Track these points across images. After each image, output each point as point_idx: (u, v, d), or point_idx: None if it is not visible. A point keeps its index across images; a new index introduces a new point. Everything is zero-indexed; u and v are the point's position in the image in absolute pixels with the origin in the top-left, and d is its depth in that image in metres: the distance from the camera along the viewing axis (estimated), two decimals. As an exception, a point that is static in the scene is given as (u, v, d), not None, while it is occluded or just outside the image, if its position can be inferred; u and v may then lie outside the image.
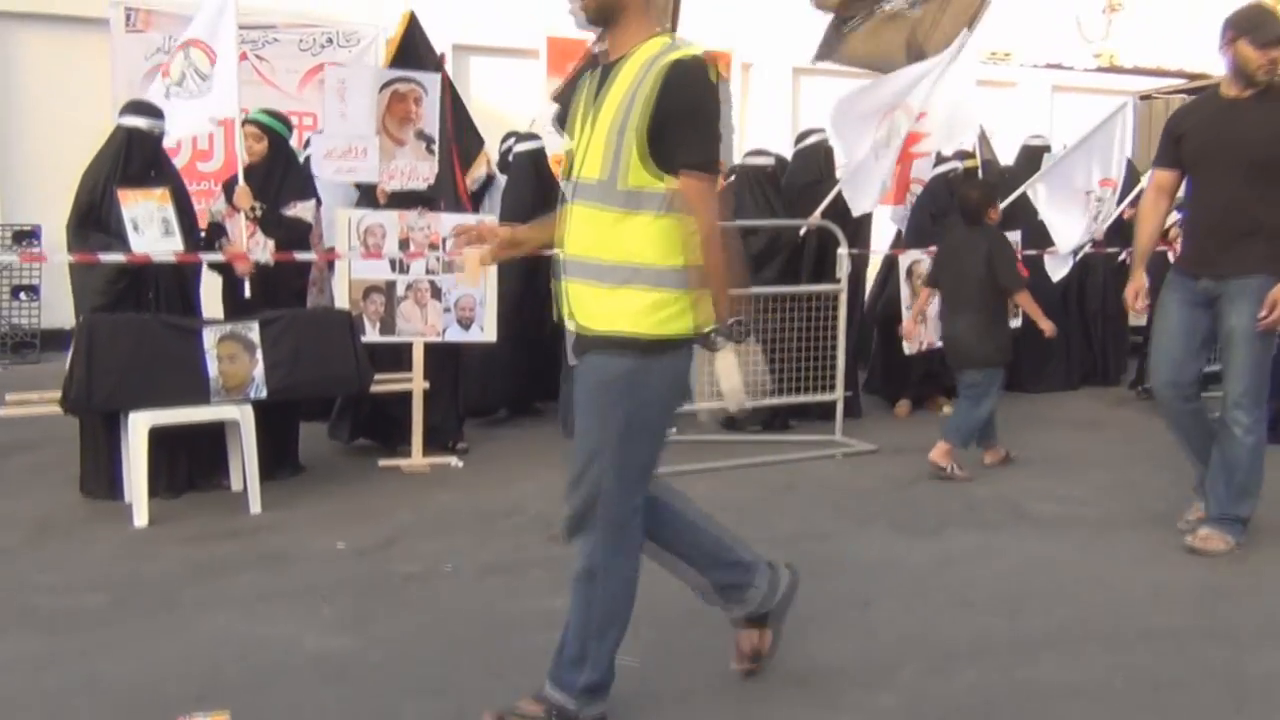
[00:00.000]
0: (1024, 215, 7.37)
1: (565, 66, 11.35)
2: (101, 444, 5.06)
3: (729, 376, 2.70)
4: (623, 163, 2.55)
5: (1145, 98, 12.92)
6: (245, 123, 5.57)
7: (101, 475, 5.07)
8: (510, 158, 7.49)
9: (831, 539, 4.50)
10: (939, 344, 6.95)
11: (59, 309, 9.58)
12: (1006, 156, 9.34)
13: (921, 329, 6.86)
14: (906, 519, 4.81)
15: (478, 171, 7.44)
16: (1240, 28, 4.14)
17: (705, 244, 2.59)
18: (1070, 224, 7.32)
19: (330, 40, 10.55)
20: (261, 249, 5.41)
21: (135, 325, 4.70)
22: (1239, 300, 4.14)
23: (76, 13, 9.86)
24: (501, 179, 7.63)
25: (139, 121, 5.19)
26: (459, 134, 7.02)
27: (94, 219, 5.08)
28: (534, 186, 7.03)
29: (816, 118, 12.59)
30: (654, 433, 2.75)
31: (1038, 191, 7.33)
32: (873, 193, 6.71)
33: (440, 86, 5.95)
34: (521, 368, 6.83)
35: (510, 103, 11.35)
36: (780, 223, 6.63)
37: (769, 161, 6.86)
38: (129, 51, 9.76)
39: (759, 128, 12.44)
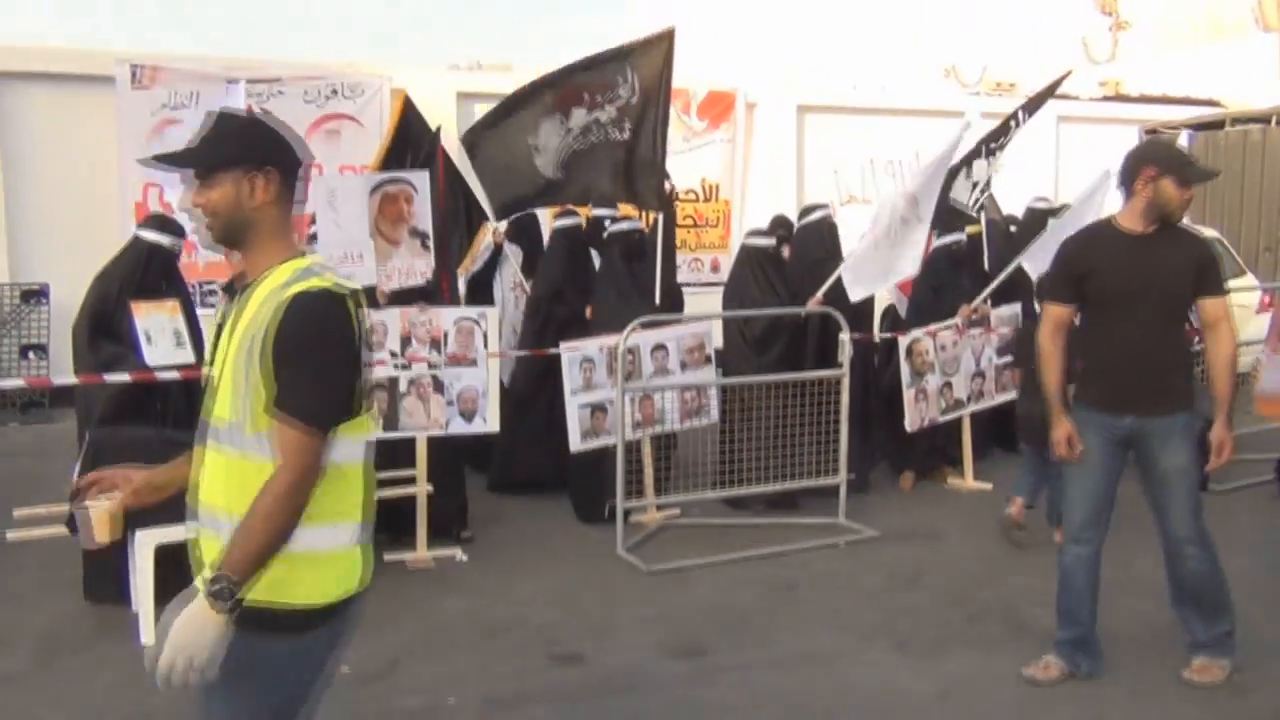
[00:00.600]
0: (1025, 287, 7.36)
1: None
2: (106, 550, 5.09)
3: (180, 630, 2.18)
4: (249, 404, 2.25)
5: (1151, 132, 12.88)
6: None
7: (107, 580, 5.10)
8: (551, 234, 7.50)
9: (833, 663, 4.50)
10: (941, 419, 6.99)
11: (68, 365, 9.67)
12: (1011, 198, 9.31)
13: (922, 406, 6.88)
14: (908, 632, 4.82)
15: (480, 247, 7.46)
16: (1164, 165, 4.07)
17: (272, 498, 2.20)
18: None
19: (335, 91, 10.59)
20: None
21: (140, 445, 4.72)
22: (1171, 439, 4.10)
23: (82, 70, 9.92)
24: (512, 249, 7.63)
25: (162, 239, 5.30)
26: (456, 216, 7.06)
27: (106, 328, 5.11)
28: (568, 265, 7.07)
29: (821, 154, 12.81)
30: None
31: (1035, 264, 7.30)
32: (871, 280, 6.69)
33: (429, 181, 5.97)
34: (547, 443, 6.80)
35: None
36: (779, 310, 6.60)
37: (770, 243, 6.86)
38: (135, 108, 9.84)
39: (764, 166, 12.46)
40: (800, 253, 7.08)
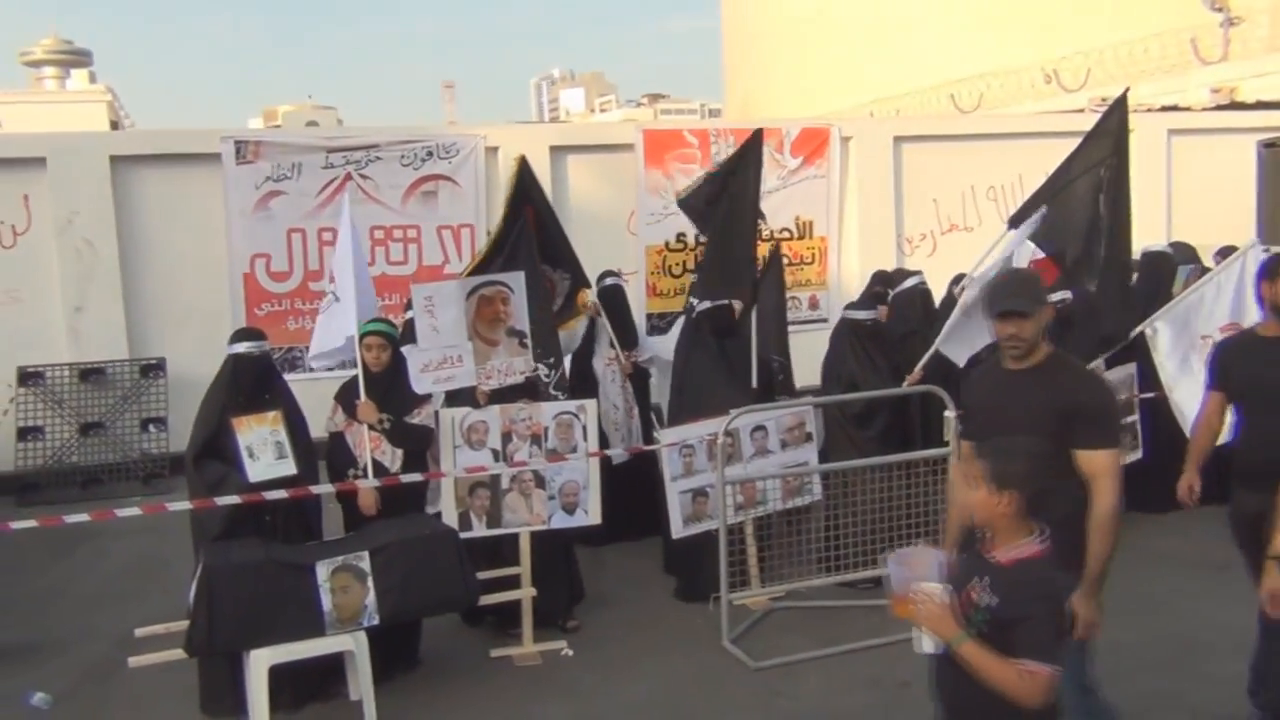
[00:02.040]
0: (1141, 346, 7.05)
1: (662, 158, 11.40)
2: (221, 665, 5.22)
3: None
4: None
5: (1270, 145, 12.27)
6: (368, 334, 5.67)
7: (224, 695, 5.23)
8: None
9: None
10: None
11: (185, 432, 9.95)
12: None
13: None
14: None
15: (577, 322, 7.38)
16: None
17: None
18: (1191, 383, 6.77)
19: (430, 154, 10.76)
20: (391, 460, 5.56)
21: (251, 569, 4.83)
22: None
23: (190, 149, 10.26)
24: (603, 322, 7.58)
25: (240, 346, 5.35)
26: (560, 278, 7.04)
27: (212, 449, 5.24)
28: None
29: (919, 183, 12.54)
30: None
31: (1157, 332, 6.98)
32: (972, 339, 6.52)
33: (522, 281, 5.99)
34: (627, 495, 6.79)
35: (609, 199, 11.37)
36: (881, 393, 6.42)
37: (869, 315, 6.70)
38: (240, 182, 10.18)
39: (861, 199, 12.25)
40: (894, 325, 6.91)
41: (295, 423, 5.42)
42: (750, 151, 6.56)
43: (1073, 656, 3.69)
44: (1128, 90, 7.29)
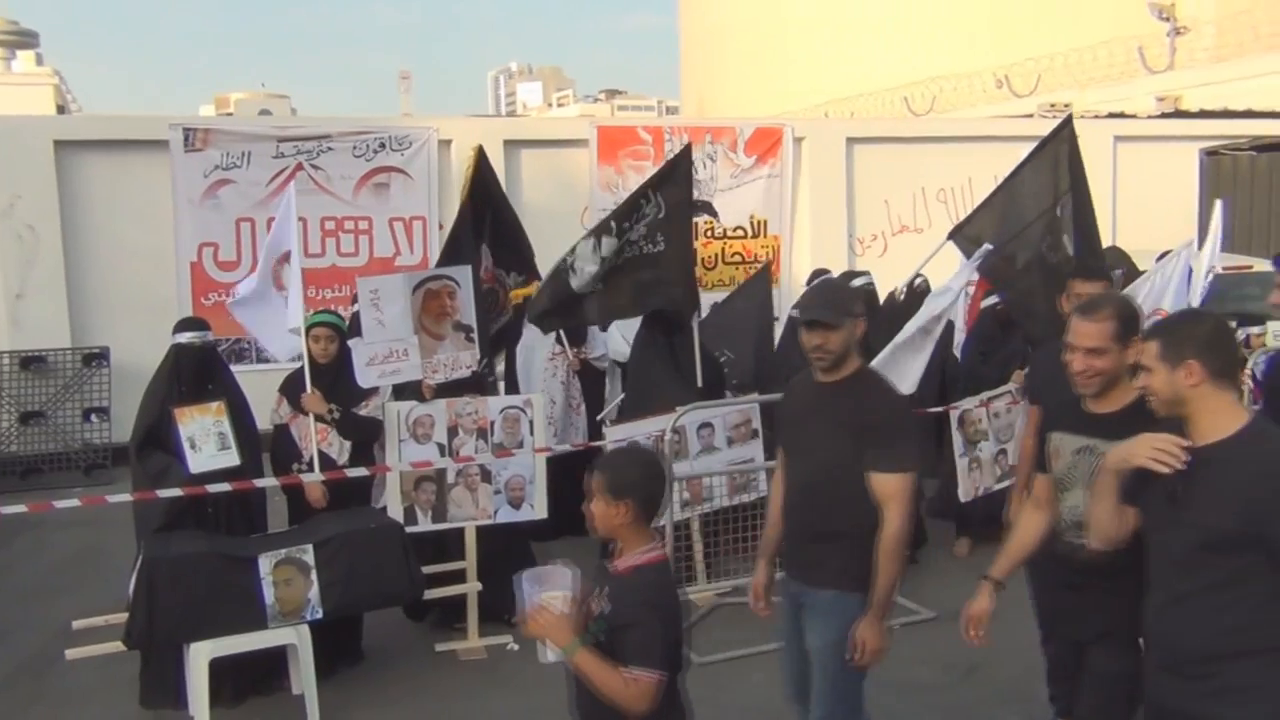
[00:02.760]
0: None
1: (616, 155, 11.42)
2: (162, 658, 5.16)
3: None
4: None
5: (1212, 154, 12.56)
6: (315, 325, 5.64)
7: (165, 688, 5.17)
8: None
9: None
10: (996, 488, 6.85)
11: (128, 423, 9.77)
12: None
13: (976, 475, 6.75)
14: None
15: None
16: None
17: None
18: None
19: (383, 145, 10.71)
20: (338, 452, 5.53)
21: (192, 561, 4.78)
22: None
23: (137, 136, 10.13)
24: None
25: (183, 336, 5.30)
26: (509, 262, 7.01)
27: (155, 439, 5.18)
28: None
29: (871, 184, 12.66)
30: None
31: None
32: (913, 374, 6.40)
33: (469, 275, 5.97)
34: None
35: (561, 194, 11.36)
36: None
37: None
38: (189, 170, 10.07)
39: (814, 199, 12.35)
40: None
41: (240, 414, 5.38)
42: (680, 165, 6.54)
43: (852, 681, 3.67)
44: (1071, 115, 7.42)
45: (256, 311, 5.91)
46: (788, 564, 3.88)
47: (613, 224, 6.30)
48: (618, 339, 7.55)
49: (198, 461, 5.13)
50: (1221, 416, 2.81)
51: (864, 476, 3.56)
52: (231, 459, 5.21)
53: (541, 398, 6.17)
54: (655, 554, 3.04)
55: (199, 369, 5.30)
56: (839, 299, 3.79)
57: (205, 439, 5.19)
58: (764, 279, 8.27)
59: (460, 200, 6.90)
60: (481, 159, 6.82)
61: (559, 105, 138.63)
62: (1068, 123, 6.84)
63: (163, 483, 5.05)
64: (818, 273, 8.03)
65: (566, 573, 3.01)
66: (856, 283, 7.18)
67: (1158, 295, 6.99)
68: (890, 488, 3.55)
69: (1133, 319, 3.40)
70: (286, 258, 5.84)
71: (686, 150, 6.58)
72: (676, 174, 6.42)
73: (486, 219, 6.68)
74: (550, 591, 2.95)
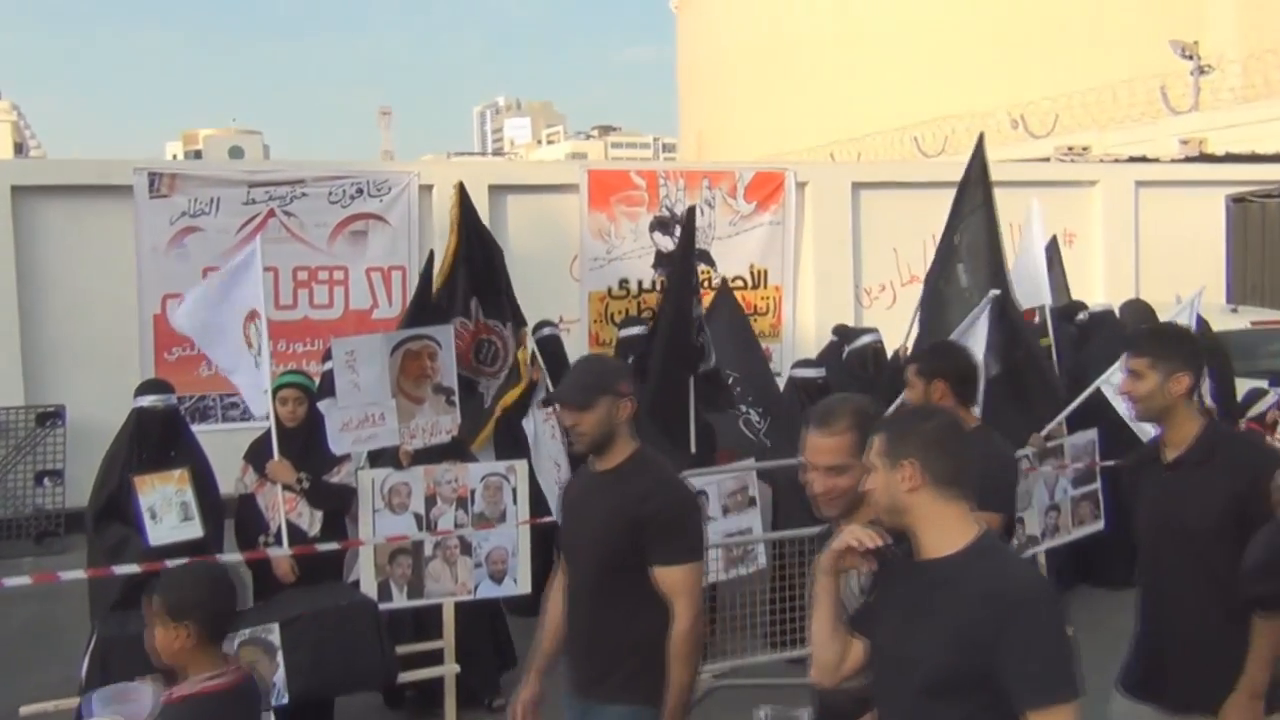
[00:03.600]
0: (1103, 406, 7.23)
1: (608, 200, 11.55)
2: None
3: None
4: None
5: (1238, 200, 12.72)
6: (283, 387, 5.69)
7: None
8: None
9: None
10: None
11: (84, 487, 9.76)
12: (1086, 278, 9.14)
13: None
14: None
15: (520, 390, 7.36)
16: None
17: None
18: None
19: (360, 190, 10.80)
20: (308, 523, 5.56)
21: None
22: None
23: (99, 180, 10.21)
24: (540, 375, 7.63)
25: (145, 400, 5.37)
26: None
27: (114, 509, 5.21)
28: None
29: (879, 231, 12.78)
30: None
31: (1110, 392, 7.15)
32: None
33: (451, 335, 6.05)
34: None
35: (550, 242, 11.46)
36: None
37: (819, 374, 6.84)
38: (153, 217, 10.14)
39: (818, 247, 12.45)
40: (845, 384, 7.05)
41: (203, 481, 5.43)
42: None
43: None
44: (983, 136, 7.74)
45: (224, 353, 5.91)
46: (568, 677, 3.72)
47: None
48: None
49: (158, 533, 5.17)
50: (949, 530, 2.61)
51: (648, 573, 3.46)
52: (194, 530, 5.25)
53: (525, 465, 6.19)
54: (219, 682, 2.84)
55: (161, 434, 5.37)
56: (594, 378, 3.64)
57: (167, 509, 5.23)
58: (726, 297, 8.30)
59: (448, 244, 7.00)
60: (464, 197, 6.95)
61: (549, 142, 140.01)
62: (979, 140, 7.24)
63: (119, 557, 5.08)
64: (839, 330, 8.11)
65: (147, 691, 2.86)
66: (863, 340, 7.25)
67: None
68: (676, 581, 3.45)
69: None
70: (253, 315, 5.89)
71: (690, 215, 6.80)
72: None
73: (477, 264, 6.77)
74: (133, 715, 2.81)
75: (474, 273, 6.95)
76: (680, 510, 3.56)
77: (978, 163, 7.26)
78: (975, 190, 7.04)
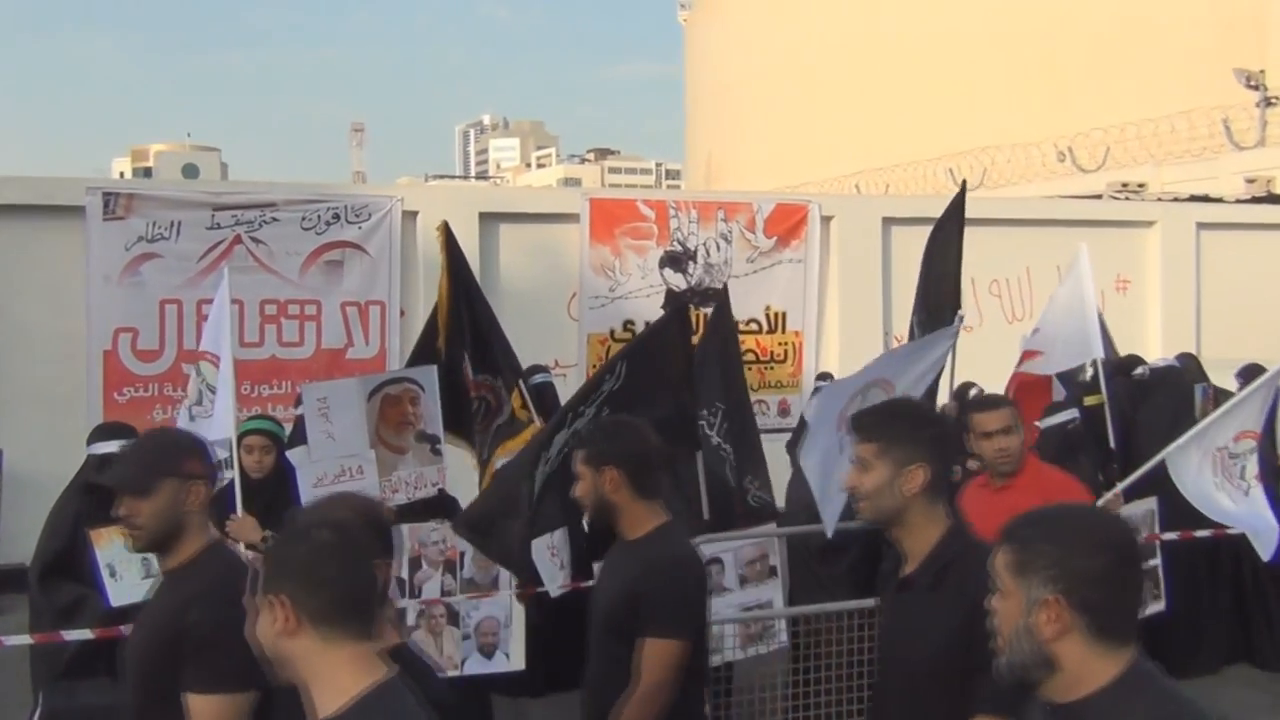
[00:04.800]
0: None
1: (612, 232, 11.63)
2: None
3: None
4: None
5: (1309, 245, 12.84)
6: (248, 433, 5.74)
7: None
8: None
9: None
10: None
11: (20, 541, 9.75)
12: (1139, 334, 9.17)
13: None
14: None
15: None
16: None
17: None
18: (1204, 489, 6.95)
19: (337, 216, 10.85)
20: None
21: (101, 716, 4.80)
22: None
23: (42, 200, 10.24)
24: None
25: (109, 446, 5.38)
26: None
27: (62, 566, 5.23)
28: None
29: (911, 273, 12.80)
30: None
31: (1173, 463, 7.16)
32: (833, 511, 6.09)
33: (434, 377, 6.12)
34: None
35: (545, 277, 11.54)
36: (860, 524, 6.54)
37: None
38: (107, 242, 10.15)
39: (844, 290, 12.53)
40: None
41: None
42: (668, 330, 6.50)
43: None
44: (965, 184, 8.00)
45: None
46: None
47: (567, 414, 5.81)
48: None
49: (119, 592, 5.18)
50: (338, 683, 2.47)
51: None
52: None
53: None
54: None
55: None
56: (155, 457, 3.59)
57: (127, 565, 5.25)
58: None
59: (439, 292, 7.06)
60: (450, 238, 7.02)
61: (539, 166, 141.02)
62: (961, 188, 7.83)
63: (73, 618, 5.11)
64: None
65: None
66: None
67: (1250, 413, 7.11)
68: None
69: None
70: (215, 359, 5.97)
71: (681, 312, 6.50)
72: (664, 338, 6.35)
73: (464, 315, 6.84)
74: None
75: (461, 326, 7.00)
76: (217, 632, 3.16)
77: (953, 217, 7.66)
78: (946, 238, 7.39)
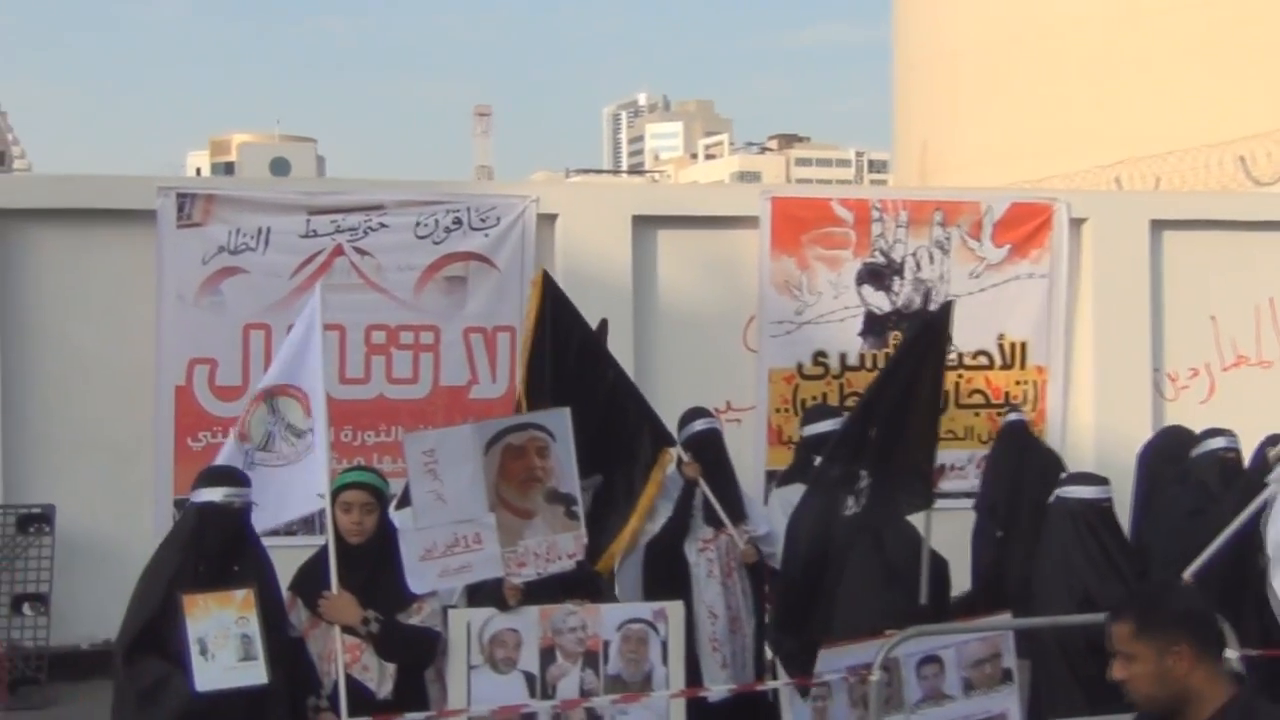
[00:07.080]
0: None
1: (798, 239, 11.56)
2: None
3: None
4: None
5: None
6: (345, 488, 5.82)
7: None
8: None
9: None
10: None
11: (75, 622, 10.10)
12: None
13: None
14: None
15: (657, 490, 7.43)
16: None
17: None
18: None
19: (459, 221, 10.96)
20: (378, 680, 5.66)
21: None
22: None
23: (103, 204, 10.55)
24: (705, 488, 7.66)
25: (212, 494, 5.47)
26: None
27: (153, 639, 5.32)
28: None
29: (1189, 291, 12.54)
30: None
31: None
32: None
33: (567, 422, 6.13)
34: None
35: (716, 296, 11.52)
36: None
37: (1102, 494, 6.71)
38: (181, 253, 10.42)
39: (1100, 314, 12.24)
40: (1182, 500, 7.02)
41: (272, 609, 5.50)
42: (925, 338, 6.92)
43: None
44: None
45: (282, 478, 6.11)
46: None
47: None
48: (778, 513, 7.56)
49: (207, 676, 5.20)
50: None
51: None
52: (256, 675, 5.27)
53: (680, 610, 6.20)
54: None
55: (227, 543, 5.45)
56: None
57: (222, 642, 5.28)
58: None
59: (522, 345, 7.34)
60: (549, 290, 7.34)
61: (708, 156, 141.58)
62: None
63: (153, 706, 5.19)
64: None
65: None
66: (1212, 445, 7.51)
67: None
68: None
69: None
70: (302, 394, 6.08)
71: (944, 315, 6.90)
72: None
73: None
74: None
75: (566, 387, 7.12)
76: None
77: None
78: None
